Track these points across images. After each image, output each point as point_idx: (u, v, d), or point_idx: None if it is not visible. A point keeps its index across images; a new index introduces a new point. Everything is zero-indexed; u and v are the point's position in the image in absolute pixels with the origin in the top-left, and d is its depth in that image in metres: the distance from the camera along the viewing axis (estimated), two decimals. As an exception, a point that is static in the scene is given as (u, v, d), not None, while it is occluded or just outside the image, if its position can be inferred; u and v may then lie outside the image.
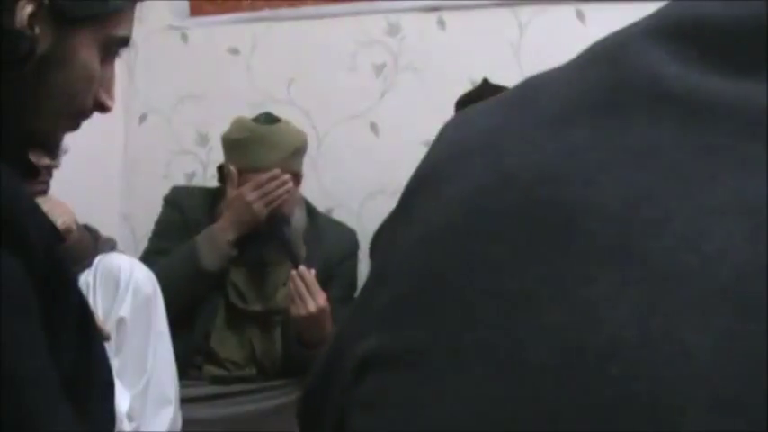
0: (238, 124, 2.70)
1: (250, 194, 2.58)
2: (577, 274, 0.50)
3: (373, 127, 3.14)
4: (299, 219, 2.75)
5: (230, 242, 2.62)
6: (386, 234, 0.66)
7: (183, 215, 2.76)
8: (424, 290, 0.56)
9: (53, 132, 1.12)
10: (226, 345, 2.69)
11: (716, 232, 0.47)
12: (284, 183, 2.59)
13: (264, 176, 2.58)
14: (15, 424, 0.91)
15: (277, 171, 2.59)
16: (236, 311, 2.70)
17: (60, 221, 2.02)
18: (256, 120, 2.69)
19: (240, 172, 2.64)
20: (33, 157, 1.15)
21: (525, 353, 0.50)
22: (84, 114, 1.13)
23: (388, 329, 0.58)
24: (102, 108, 1.14)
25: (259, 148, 2.62)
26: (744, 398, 0.44)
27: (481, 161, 0.58)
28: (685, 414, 0.45)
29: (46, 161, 2.11)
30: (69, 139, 2.16)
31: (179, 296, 2.50)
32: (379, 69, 3.13)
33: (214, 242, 2.61)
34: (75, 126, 1.14)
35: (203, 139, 3.28)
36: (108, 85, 1.14)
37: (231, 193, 2.64)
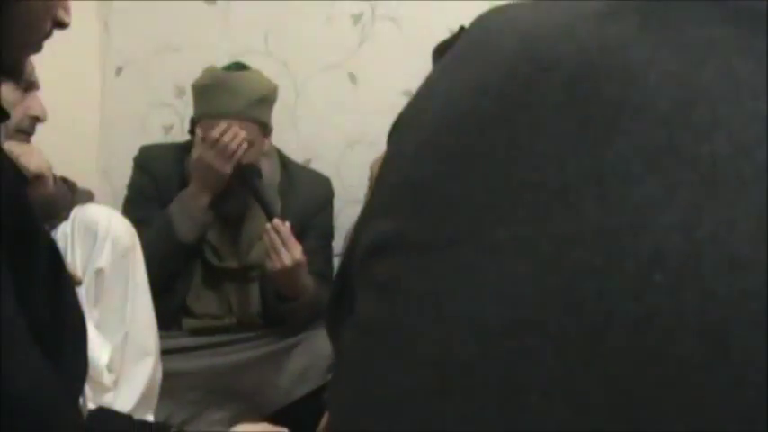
0: (206, 72, 2.67)
1: (207, 155, 2.53)
2: (622, 174, 0.47)
3: (351, 77, 3.11)
4: (270, 170, 2.72)
5: (204, 208, 2.59)
6: (405, 115, 0.62)
7: (155, 178, 2.71)
8: (452, 175, 0.53)
9: (19, 60, 1.12)
10: (203, 302, 2.68)
11: None
12: (236, 134, 2.53)
13: (215, 132, 2.53)
14: None
15: (225, 124, 2.53)
16: (212, 269, 2.68)
17: (33, 166, 2.00)
18: (226, 67, 2.66)
19: (206, 119, 2.59)
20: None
21: (565, 252, 0.48)
22: (47, 36, 1.12)
23: (409, 212, 0.55)
24: (62, 25, 1.13)
25: (222, 93, 2.57)
26: None
27: (513, 48, 0.55)
28: (733, 328, 0.43)
29: (33, 113, 2.10)
30: (46, 94, 2.16)
31: (161, 269, 2.45)
32: (356, 19, 3.10)
33: (188, 212, 2.58)
34: (38, 49, 1.13)
35: (180, 92, 3.25)
36: (64, 2, 1.13)
37: (195, 155, 2.61)
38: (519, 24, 0.57)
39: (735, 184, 0.45)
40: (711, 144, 0.46)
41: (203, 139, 2.56)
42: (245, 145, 2.54)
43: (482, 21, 0.61)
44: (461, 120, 0.55)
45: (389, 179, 0.60)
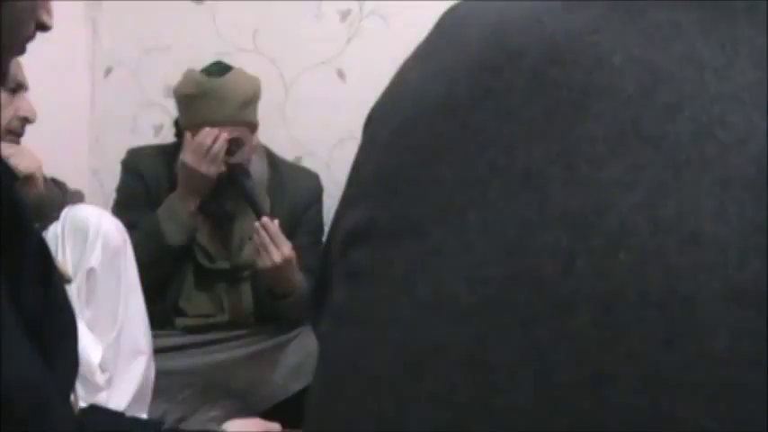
0: (188, 78, 2.65)
1: (192, 160, 2.54)
2: (588, 156, 0.48)
3: (340, 74, 3.11)
4: (259, 168, 2.72)
5: (191, 212, 2.59)
6: (379, 105, 0.63)
7: (143, 180, 2.70)
8: (423, 162, 0.54)
9: (2, 62, 1.12)
10: (195, 303, 2.68)
11: (734, 121, 0.46)
12: (218, 137, 2.53)
13: (201, 137, 2.53)
14: None
15: (207, 129, 2.53)
16: (203, 271, 2.68)
17: (23, 166, 2.01)
18: (207, 70, 2.64)
19: (195, 126, 2.59)
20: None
21: (532, 233, 0.48)
22: (30, 38, 1.13)
23: (381, 200, 0.56)
24: (44, 28, 1.13)
25: (209, 102, 2.57)
26: (761, 288, 0.43)
27: (481, 36, 0.56)
28: (697, 303, 0.44)
29: (22, 114, 2.10)
30: (35, 95, 2.16)
31: (151, 272, 2.44)
32: (344, 15, 3.10)
33: (176, 216, 2.58)
34: (22, 51, 1.14)
35: (170, 91, 3.22)
36: (46, 5, 1.13)
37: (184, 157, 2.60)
38: (487, 13, 0.58)
39: (698, 163, 0.46)
40: (675, 125, 0.47)
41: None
42: (226, 145, 2.54)
43: (452, 11, 0.62)
44: (432, 108, 0.56)
45: (364, 169, 0.61)
